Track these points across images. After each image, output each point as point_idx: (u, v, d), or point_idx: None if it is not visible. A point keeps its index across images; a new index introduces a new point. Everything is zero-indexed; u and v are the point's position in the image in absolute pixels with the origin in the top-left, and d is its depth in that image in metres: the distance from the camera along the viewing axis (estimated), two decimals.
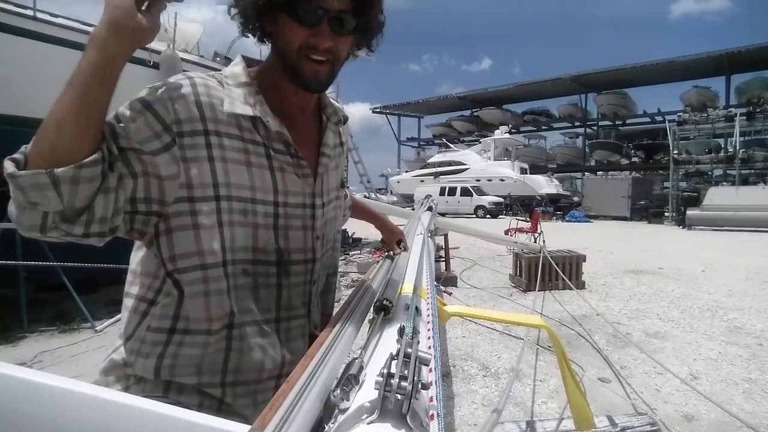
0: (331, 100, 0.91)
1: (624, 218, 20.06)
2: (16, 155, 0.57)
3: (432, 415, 0.47)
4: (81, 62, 0.56)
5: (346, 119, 0.93)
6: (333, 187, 0.89)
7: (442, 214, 11.96)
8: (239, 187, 0.72)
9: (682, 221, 15.91)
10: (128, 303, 0.76)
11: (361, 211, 1.22)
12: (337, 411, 0.46)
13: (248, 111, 0.73)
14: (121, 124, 0.64)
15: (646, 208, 19.90)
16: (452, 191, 23.01)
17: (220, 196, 0.71)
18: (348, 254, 8.05)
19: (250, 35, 0.77)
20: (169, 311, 0.72)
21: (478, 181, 25.51)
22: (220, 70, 0.80)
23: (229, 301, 0.73)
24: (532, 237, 7.72)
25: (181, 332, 0.72)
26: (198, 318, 0.71)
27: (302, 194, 0.80)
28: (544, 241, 6.41)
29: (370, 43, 0.83)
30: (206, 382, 0.73)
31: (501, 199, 22.70)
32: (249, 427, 0.40)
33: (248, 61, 0.81)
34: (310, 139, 0.85)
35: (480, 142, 32.03)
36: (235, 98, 0.73)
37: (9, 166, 0.56)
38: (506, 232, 8.76)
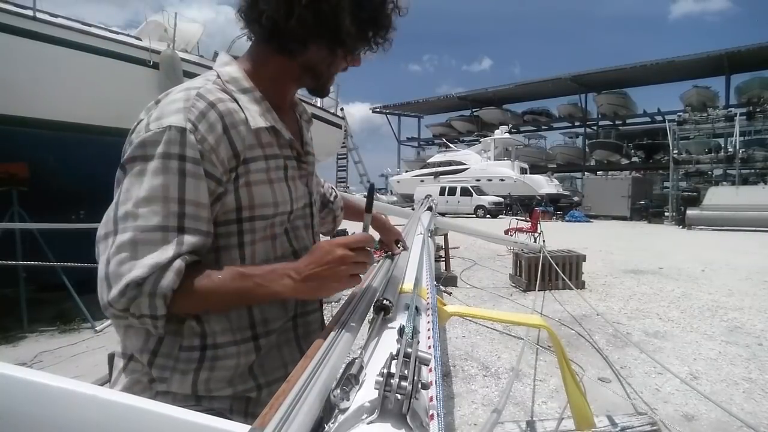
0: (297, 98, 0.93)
1: (624, 218, 20.04)
2: (160, 304, 0.64)
3: (432, 415, 0.47)
4: (259, 290, 0.67)
5: (312, 118, 0.95)
6: (317, 182, 0.96)
7: (442, 214, 11.95)
8: (262, 206, 0.74)
9: (682, 221, 15.89)
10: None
11: (357, 213, 1.22)
12: (337, 411, 0.46)
13: (267, 122, 0.74)
14: (207, 211, 0.68)
15: (646, 208, 19.85)
16: (452, 191, 23.01)
17: (243, 219, 0.72)
18: None
19: (246, 28, 0.76)
20: (195, 330, 0.72)
21: (478, 181, 25.49)
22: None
23: (250, 312, 0.75)
24: (532, 237, 7.73)
25: (212, 347, 0.72)
26: (223, 330, 0.73)
27: (304, 196, 0.84)
28: (544, 241, 6.41)
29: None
30: (241, 390, 0.74)
31: (501, 199, 22.70)
32: (249, 427, 0.40)
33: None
34: (296, 138, 0.86)
35: (480, 142, 32.00)
36: (251, 110, 0.73)
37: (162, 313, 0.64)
38: (506, 232, 8.76)
